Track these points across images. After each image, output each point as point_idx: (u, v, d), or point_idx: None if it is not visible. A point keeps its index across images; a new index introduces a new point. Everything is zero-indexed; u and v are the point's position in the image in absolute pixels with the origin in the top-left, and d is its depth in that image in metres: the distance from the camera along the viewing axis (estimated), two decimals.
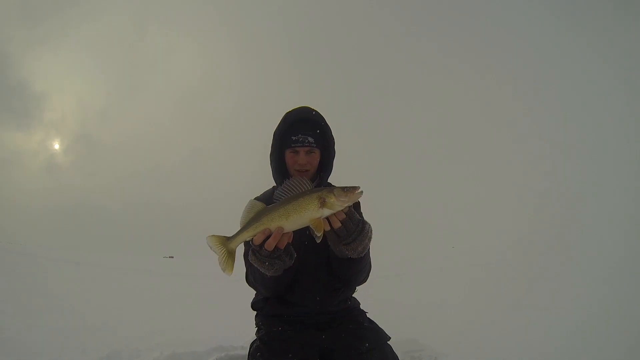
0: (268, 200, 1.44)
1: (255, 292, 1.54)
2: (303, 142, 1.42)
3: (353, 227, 1.17)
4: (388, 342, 1.45)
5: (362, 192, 1.12)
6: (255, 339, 1.49)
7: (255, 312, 1.57)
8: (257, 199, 1.45)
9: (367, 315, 1.56)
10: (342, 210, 1.12)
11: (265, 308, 1.49)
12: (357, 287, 1.55)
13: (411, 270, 11.00)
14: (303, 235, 1.35)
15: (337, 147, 1.54)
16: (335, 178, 1.58)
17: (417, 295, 6.04)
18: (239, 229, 1.21)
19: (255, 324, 1.54)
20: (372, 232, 1.25)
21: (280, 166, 1.50)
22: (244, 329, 2.32)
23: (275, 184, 1.56)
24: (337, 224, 1.14)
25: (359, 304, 1.58)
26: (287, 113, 1.48)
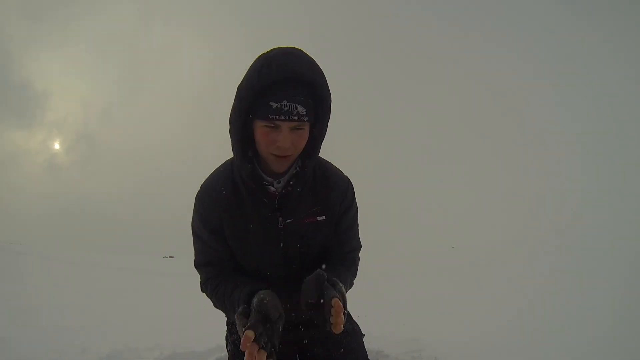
0: (222, 194, 1.08)
1: None
2: (290, 113, 0.87)
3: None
4: (363, 339, 1.34)
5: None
6: (228, 344, 1.29)
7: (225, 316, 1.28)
8: (206, 190, 1.11)
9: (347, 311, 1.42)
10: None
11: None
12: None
13: (412, 269, 10.98)
14: (273, 246, 1.11)
15: (337, 142, 1.14)
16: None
17: (417, 294, 6.03)
18: None
19: (227, 324, 1.34)
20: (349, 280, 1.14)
21: (244, 138, 0.97)
22: None
23: (233, 157, 1.07)
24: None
25: None
26: (265, 57, 0.90)
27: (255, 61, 0.91)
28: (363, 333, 1.38)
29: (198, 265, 1.17)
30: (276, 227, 1.07)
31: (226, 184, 1.08)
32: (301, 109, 0.88)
